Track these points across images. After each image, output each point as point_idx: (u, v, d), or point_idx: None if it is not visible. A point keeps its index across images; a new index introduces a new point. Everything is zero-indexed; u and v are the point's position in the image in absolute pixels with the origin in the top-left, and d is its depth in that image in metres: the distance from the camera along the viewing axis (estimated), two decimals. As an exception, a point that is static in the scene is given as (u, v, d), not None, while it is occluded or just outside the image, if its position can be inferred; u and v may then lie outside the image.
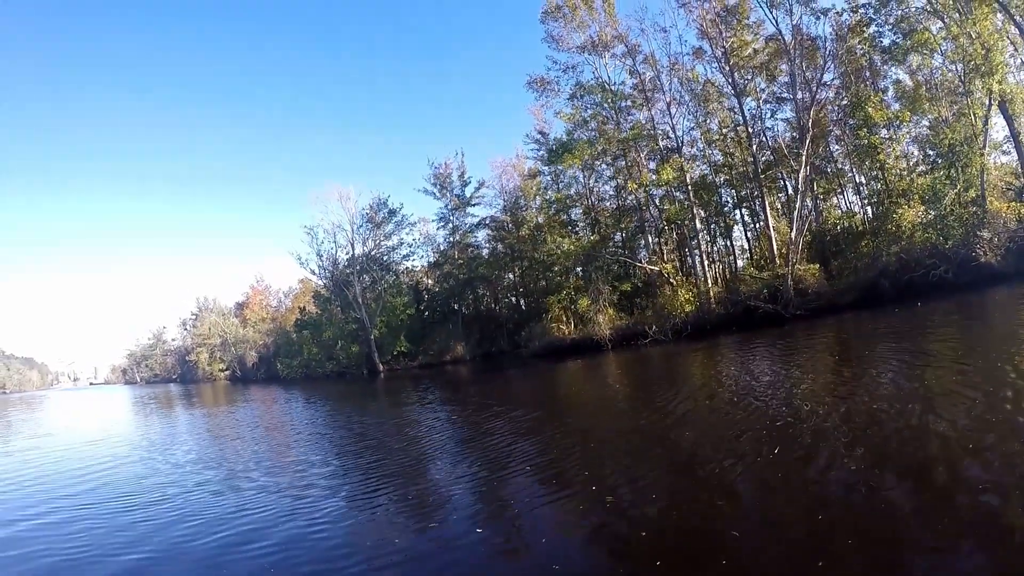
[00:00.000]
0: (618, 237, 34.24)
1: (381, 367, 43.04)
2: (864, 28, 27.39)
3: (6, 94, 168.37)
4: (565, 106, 30.18)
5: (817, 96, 26.06)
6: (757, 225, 33.13)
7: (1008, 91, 22.69)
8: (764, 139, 30.25)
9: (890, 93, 29.34)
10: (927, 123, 28.14)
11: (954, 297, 18.91)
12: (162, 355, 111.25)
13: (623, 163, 31.49)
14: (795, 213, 24.42)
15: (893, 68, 28.68)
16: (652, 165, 29.61)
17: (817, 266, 24.00)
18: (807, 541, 4.31)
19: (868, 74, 28.98)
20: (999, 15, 23.39)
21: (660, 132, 29.34)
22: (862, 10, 26.98)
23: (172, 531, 6.77)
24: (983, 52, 22.24)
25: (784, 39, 26.44)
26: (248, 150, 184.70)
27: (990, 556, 3.67)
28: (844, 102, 27.76)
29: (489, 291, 45.23)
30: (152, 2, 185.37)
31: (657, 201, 30.38)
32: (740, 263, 34.06)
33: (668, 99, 28.96)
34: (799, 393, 9.51)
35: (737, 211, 34.87)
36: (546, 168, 34.06)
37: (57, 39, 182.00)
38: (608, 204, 35.70)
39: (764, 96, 30.91)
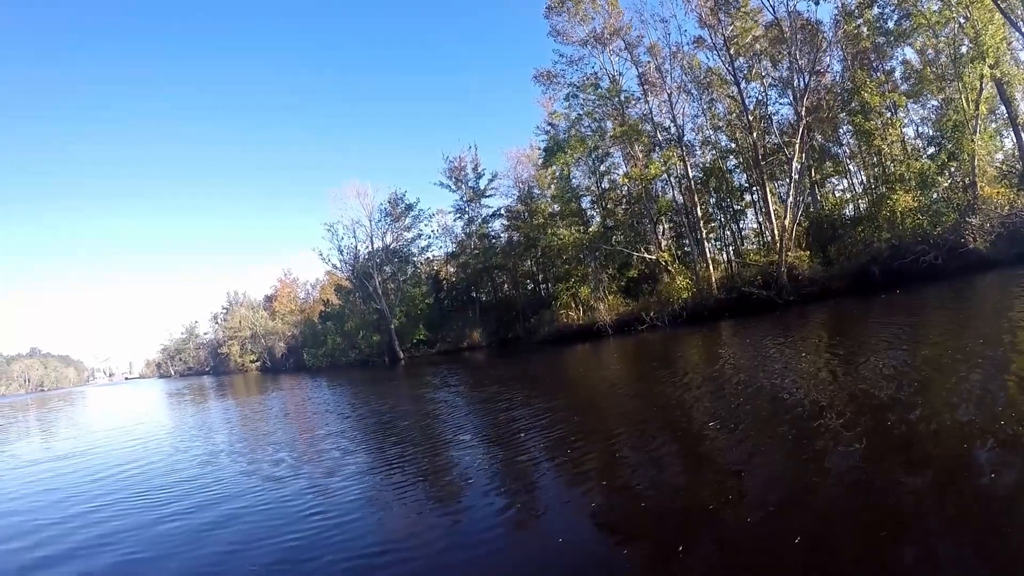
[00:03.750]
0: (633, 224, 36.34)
1: (401, 354, 46.84)
2: (866, 10, 28.72)
3: (35, 108, 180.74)
4: (562, 105, 32.62)
5: (813, 83, 27.58)
6: (768, 210, 34.77)
7: (1000, 74, 23.78)
8: (769, 124, 31.81)
9: (897, 73, 30.62)
10: (936, 103, 29.35)
11: (941, 284, 19.89)
12: (195, 348, 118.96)
13: (622, 155, 33.68)
14: (789, 200, 26.21)
15: (900, 49, 29.90)
16: (655, 156, 31.58)
17: (808, 253, 25.79)
18: (807, 523, 4.48)
19: (874, 56, 30.06)
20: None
21: (659, 123, 31.36)
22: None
23: (199, 519, 7.13)
24: (974, 35, 23.45)
25: (781, 26, 27.97)
26: (274, 151, 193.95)
27: (992, 540, 3.73)
28: (847, 87, 29.09)
29: (507, 279, 48.05)
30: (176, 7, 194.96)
31: (659, 191, 32.53)
32: (753, 247, 35.78)
33: (670, 89, 30.89)
34: (788, 376, 10.11)
35: (748, 196, 36.55)
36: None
37: (86, 49, 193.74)
38: (619, 192, 37.86)
39: (769, 81, 32.45)
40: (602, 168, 36.99)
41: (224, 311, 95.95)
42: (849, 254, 25.63)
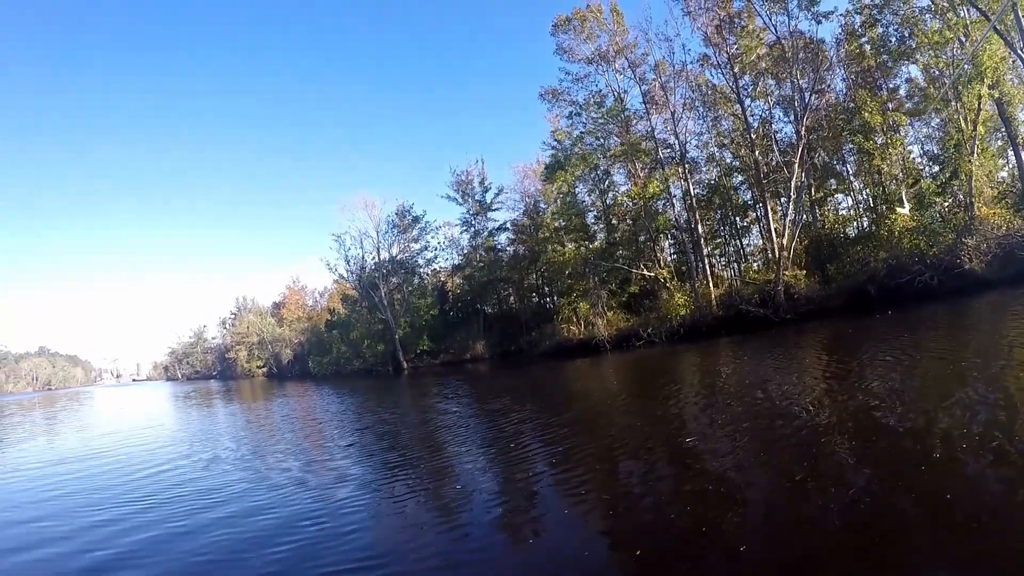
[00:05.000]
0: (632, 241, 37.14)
1: (405, 364, 48.07)
2: (869, 29, 29.39)
3: (43, 109, 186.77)
4: (565, 124, 33.78)
5: (815, 102, 28.34)
6: (770, 228, 35.40)
7: (999, 94, 24.31)
8: (772, 142, 32.49)
9: (902, 91, 31.21)
10: (940, 121, 29.89)
11: (936, 304, 20.42)
12: (202, 353, 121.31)
13: (625, 173, 34.65)
14: (787, 219, 26.92)
15: (905, 67, 30.48)
16: (656, 174, 32.47)
17: (804, 272, 26.46)
18: (802, 540, 4.64)
19: (879, 74, 30.64)
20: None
21: (661, 141, 32.25)
22: (867, 10, 29.04)
23: (204, 526, 7.35)
24: (972, 56, 24.00)
25: (784, 46, 28.77)
26: (284, 158, 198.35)
27: (985, 560, 3.80)
28: (849, 106, 29.74)
29: (513, 291, 49.01)
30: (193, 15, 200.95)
31: (660, 208, 33.38)
32: (756, 265, 36.41)
33: (673, 107, 31.77)
34: (781, 394, 10.51)
35: (752, 213, 37.22)
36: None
37: (104, 54, 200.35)
38: (622, 208, 38.70)
39: (773, 99, 33.20)
40: (604, 185, 37.96)
41: (232, 316, 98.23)
42: (847, 273, 26.22)
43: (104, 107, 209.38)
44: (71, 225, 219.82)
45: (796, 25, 28.76)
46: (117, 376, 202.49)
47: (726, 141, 34.83)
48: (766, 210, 30.04)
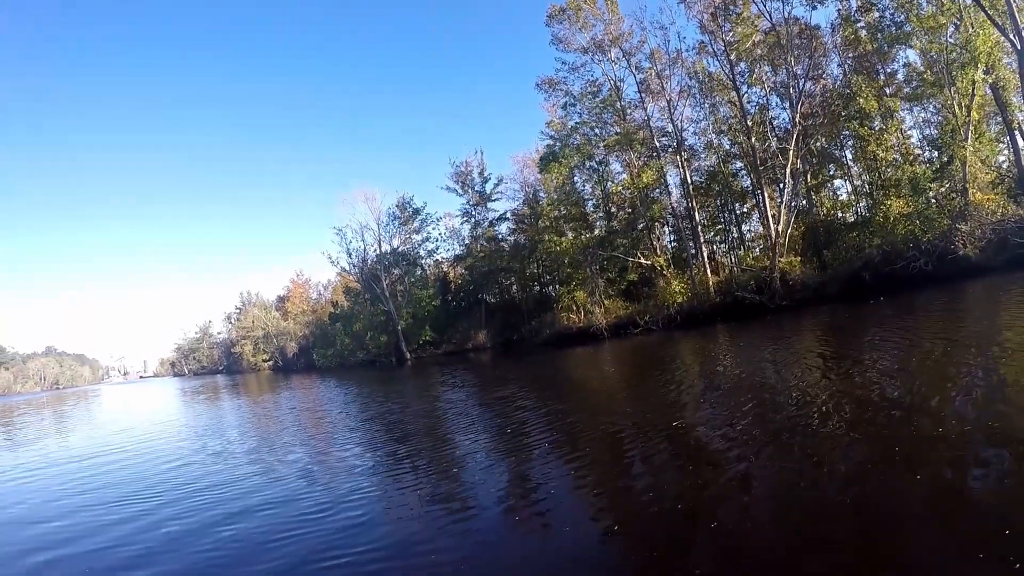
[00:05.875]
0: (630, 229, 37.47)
1: (408, 355, 48.99)
2: (865, 14, 29.51)
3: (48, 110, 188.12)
4: (560, 115, 34.17)
5: (811, 88, 28.58)
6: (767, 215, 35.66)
7: (994, 80, 24.48)
8: (768, 128, 32.66)
9: (900, 76, 31.29)
10: (937, 107, 29.99)
11: (931, 290, 20.59)
12: (208, 348, 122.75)
13: (621, 162, 35.01)
14: (782, 206, 27.26)
15: (903, 51, 30.58)
16: (653, 163, 32.79)
17: (799, 259, 26.85)
18: (805, 526, 4.70)
19: (876, 59, 30.73)
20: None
21: (658, 129, 32.56)
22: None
23: (210, 519, 7.51)
24: (965, 41, 24.14)
25: (779, 33, 28.94)
26: (288, 155, 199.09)
27: (987, 544, 3.80)
28: (845, 92, 29.92)
29: (515, 281, 49.62)
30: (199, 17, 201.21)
31: (658, 196, 33.76)
32: (757, 251, 36.73)
33: (669, 95, 32.04)
34: (777, 379, 10.73)
35: (752, 199, 37.48)
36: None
37: (100, 55, 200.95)
38: (621, 196, 39.03)
39: (770, 86, 33.35)
40: (602, 174, 38.29)
41: (237, 311, 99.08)
42: (842, 259, 26.56)
43: (105, 105, 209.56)
44: (73, 225, 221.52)
45: (791, 11, 28.97)
46: (124, 374, 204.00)
47: (724, 128, 35.04)
48: (763, 197, 30.32)
